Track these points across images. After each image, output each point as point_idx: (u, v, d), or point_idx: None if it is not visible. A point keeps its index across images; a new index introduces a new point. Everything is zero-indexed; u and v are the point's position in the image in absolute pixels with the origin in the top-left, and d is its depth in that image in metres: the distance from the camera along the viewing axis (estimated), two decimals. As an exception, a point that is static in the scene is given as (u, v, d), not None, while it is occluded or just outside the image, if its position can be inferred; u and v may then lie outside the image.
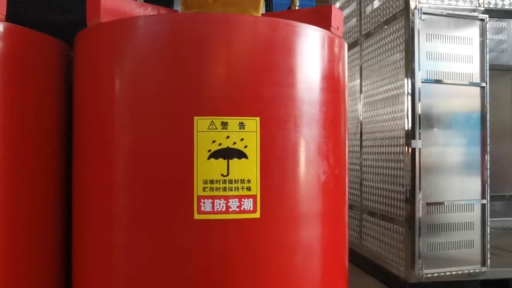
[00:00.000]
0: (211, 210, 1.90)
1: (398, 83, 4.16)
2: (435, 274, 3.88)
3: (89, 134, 2.10)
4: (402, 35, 4.10)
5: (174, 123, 1.93)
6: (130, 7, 2.26)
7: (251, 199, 1.94)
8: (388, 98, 4.37)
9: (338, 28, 2.36)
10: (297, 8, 3.25)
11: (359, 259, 4.90)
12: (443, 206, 3.98)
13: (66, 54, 2.32)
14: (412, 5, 3.97)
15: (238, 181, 1.93)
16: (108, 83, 2.02)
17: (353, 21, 5.30)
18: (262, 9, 2.58)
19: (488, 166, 4.07)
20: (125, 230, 2.00)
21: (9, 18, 2.01)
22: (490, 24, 4.93)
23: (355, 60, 5.15)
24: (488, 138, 4.08)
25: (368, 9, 4.91)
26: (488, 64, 4.09)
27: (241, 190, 1.93)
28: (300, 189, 2.05)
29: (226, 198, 1.91)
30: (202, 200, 1.90)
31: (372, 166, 4.70)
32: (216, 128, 1.91)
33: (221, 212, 1.91)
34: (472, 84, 4.08)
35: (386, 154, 4.37)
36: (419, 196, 3.90)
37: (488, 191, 4.07)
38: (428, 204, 3.94)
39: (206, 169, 1.90)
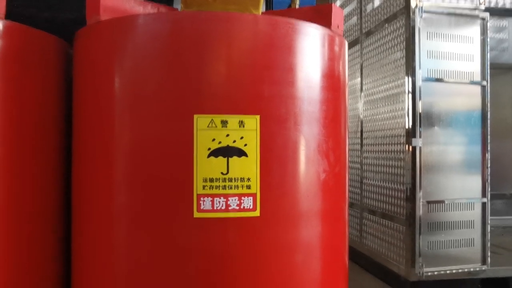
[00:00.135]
0: (211, 208, 1.90)
1: (399, 82, 4.16)
2: (436, 273, 3.88)
3: (89, 133, 2.10)
4: (402, 34, 4.10)
5: (174, 122, 1.92)
6: (130, 5, 2.25)
7: (251, 198, 1.93)
8: (388, 97, 4.36)
9: (338, 26, 2.35)
10: (297, 6, 3.25)
11: (360, 257, 4.89)
12: (443, 204, 3.98)
13: (65, 52, 2.31)
14: (413, 3, 3.96)
15: (238, 180, 1.92)
16: (108, 81, 2.01)
17: (354, 19, 5.29)
18: (262, 8, 2.58)
19: (489, 165, 4.06)
20: (125, 228, 2.00)
21: (8, 15, 2.01)
22: (491, 22, 4.91)
23: (356, 59, 5.15)
24: (488, 137, 4.07)
25: (369, 7, 4.90)
26: (488, 62, 4.08)
27: (241, 188, 1.92)
28: (300, 187, 2.04)
29: (226, 196, 1.91)
30: (201, 198, 1.90)
31: (372, 165, 4.70)
32: (216, 126, 1.91)
33: (220, 211, 1.90)
34: (473, 82, 4.08)
35: (387, 153, 4.37)
36: (419, 194, 3.90)
37: (489, 189, 4.06)
38: (428, 202, 3.93)
39: (206, 167, 1.90)
